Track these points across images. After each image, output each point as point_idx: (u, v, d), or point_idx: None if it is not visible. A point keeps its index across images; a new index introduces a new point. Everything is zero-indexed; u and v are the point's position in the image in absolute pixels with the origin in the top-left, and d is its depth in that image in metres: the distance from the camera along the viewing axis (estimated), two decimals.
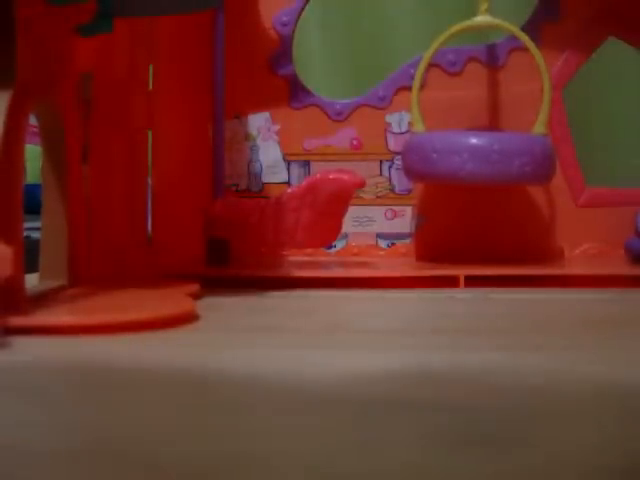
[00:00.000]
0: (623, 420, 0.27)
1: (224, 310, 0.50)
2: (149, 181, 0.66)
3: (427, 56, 0.65)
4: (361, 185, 0.60)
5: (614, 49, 0.69)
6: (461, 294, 0.56)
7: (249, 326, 0.44)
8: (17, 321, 0.39)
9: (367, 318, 0.49)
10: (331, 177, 0.60)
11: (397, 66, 0.69)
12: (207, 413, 0.28)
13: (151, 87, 0.65)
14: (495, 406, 0.29)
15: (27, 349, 0.37)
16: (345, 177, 0.60)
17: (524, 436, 0.25)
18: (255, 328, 0.44)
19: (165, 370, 0.34)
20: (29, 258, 0.45)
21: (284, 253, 0.67)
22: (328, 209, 0.60)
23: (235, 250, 0.64)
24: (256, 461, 0.23)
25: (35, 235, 0.53)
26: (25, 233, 0.44)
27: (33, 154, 0.58)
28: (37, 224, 0.52)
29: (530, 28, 0.67)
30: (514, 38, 0.65)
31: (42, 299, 0.46)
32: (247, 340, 0.41)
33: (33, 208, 0.51)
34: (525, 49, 0.64)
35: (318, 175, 0.60)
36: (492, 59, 0.68)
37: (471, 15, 0.65)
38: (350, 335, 0.42)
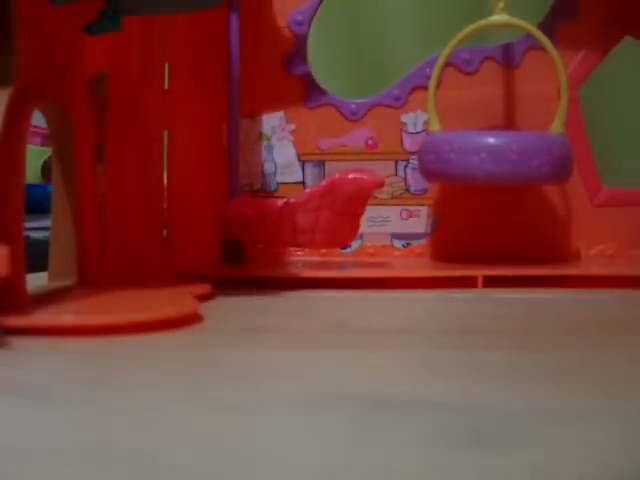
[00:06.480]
0: (628, 420, 0.27)
1: (231, 311, 0.49)
2: (164, 180, 0.66)
3: (444, 55, 0.64)
4: (381, 185, 0.60)
5: (630, 48, 0.69)
6: (474, 294, 0.56)
7: (250, 327, 0.44)
8: (16, 321, 0.39)
9: (373, 318, 0.48)
10: (351, 177, 0.59)
11: (398, 67, 0.69)
12: (207, 413, 0.28)
13: (167, 86, 0.65)
14: (495, 406, 0.28)
15: (26, 349, 0.37)
16: (365, 177, 0.59)
17: (524, 436, 0.25)
18: (256, 329, 0.44)
19: (164, 370, 0.34)
20: (29, 258, 0.44)
21: (299, 253, 0.67)
22: (347, 209, 0.59)
23: (250, 250, 0.64)
24: (257, 461, 0.23)
25: (35, 235, 0.53)
26: (24, 233, 0.44)
27: (32, 154, 0.58)
28: (35, 224, 0.52)
29: (546, 27, 0.66)
30: (530, 37, 0.65)
31: (45, 299, 0.45)
32: (247, 341, 0.41)
33: (31, 208, 0.50)
34: (541, 48, 0.64)
35: (337, 175, 0.60)
36: (508, 58, 0.68)
37: (480, 14, 0.65)
38: (353, 335, 0.42)
